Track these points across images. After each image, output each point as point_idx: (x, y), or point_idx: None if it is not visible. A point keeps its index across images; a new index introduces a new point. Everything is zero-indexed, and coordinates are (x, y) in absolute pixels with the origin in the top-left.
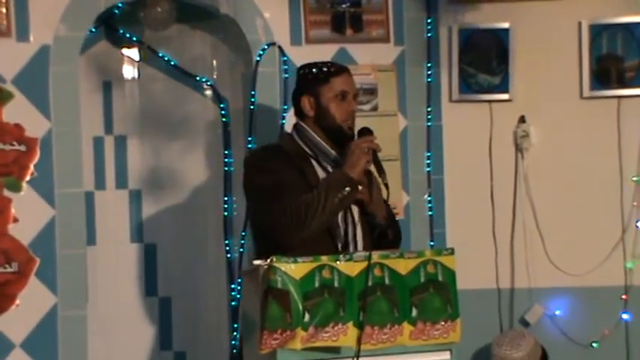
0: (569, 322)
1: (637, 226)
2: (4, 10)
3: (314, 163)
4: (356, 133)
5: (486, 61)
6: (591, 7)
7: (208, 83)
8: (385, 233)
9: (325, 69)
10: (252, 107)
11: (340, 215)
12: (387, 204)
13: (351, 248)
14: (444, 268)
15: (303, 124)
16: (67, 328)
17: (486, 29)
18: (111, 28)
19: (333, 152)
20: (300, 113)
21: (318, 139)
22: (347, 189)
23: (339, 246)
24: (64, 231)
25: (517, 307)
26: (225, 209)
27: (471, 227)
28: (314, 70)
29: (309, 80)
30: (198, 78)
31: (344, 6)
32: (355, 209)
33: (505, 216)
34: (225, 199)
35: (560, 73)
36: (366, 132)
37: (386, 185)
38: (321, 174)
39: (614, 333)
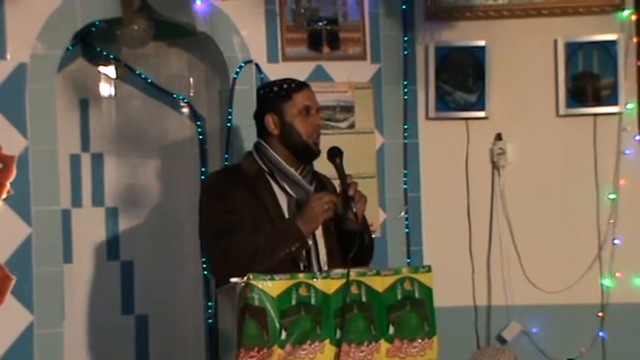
0: (546, 339)
1: (613, 244)
2: None
3: (271, 181)
4: (323, 151)
5: (463, 78)
6: (567, 25)
7: (185, 101)
8: (362, 237)
9: (286, 85)
10: (228, 125)
11: None
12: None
13: (315, 267)
14: (421, 286)
15: (262, 142)
16: (43, 347)
17: (463, 47)
18: (88, 45)
19: (291, 170)
20: (263, 132)
21: (277, 157)
22: (296, 245)
23: (301, 266)
24: (40, 249)
25: (494, 324)
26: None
27: (448, 245)
28: (275, 88)
29: (271, 98)
30: (175, 96)
31: (321, 24)
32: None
33: (482, 233)
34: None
35: (537, 91)
36: (335, 152)
37: (355, 215)
38: (278, 193)
39: (590, 351)
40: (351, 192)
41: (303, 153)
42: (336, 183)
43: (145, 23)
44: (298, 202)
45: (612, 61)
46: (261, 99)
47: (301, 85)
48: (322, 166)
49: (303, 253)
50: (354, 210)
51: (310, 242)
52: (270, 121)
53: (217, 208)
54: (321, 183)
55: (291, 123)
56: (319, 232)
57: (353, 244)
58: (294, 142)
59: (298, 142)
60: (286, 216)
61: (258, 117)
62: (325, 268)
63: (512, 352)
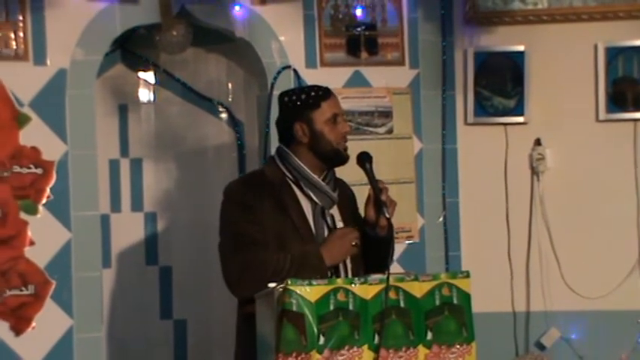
0: (586, 345)
1: None
2: (21, 35)
3: (295, 188)
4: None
5: (501, 83)
6: (607, 29)
7: (224, 106)
8: (388, 242)
9: (313, 93)
10: (267, 130)
11: None
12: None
13: (342, 273)
14: (460, 291)
15: (285, 149)
16: (82, 351)
17: (502, 52)
18: (127, 51)
19: (315, 177)
20: (288, 139)
21: (301, 164)
22: (318, 276)
23: (329, 274)
24: (79, 254)
25: (533, 330)
26: None
27: (487, 250)
28: (302, 96)
29: (299, 107)
30: (213, 101)
31: (359, 29)
32: None
33: (521, 239)
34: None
35: (576, 96)
36: (365, 157)
37: (388, 220)
38: (302, 200)
39: (630, 357)
40: (383, 197)
41: (333, 160)
42: (363, 188)
43: (184, 29)
44: (323, 209)
45: None
46: (288, 107)
47: (327, 93)
48: (349, 171)
49: None
50: (387, 215)
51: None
52: (299, 129)
53: (240, 217)
54: (344, 190)
55: (321, 131)
56: None
57: (381, 250)
58: (324, 150)
59: (329, 150)
60: (310, 224)
61: (284, 124)
62: (350, 274)
63: (549, 359)
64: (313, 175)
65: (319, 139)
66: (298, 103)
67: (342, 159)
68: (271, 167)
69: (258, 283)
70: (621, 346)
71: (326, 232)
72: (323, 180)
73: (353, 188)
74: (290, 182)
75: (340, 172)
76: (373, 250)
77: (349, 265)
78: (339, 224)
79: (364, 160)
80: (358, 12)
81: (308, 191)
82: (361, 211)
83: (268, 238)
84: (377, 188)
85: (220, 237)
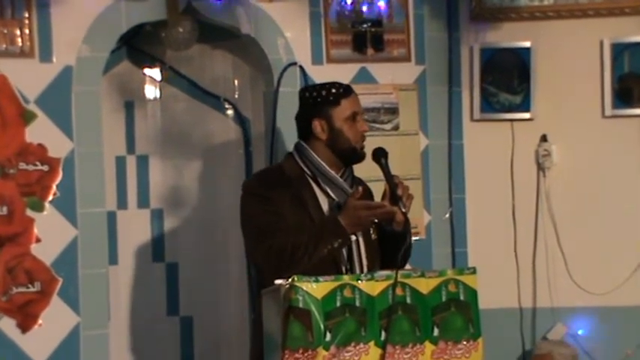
0: (592, 341)
1: None
2: (27, 32)
3: (313, 184)
4: (369, 152)
5: (508, 80)
6: (613, 25)
7: (230, 103)
8: (404, 237)
9: (334, 90)
10: (273, 127)
11: None
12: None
13: (357, 269)
14: (466, 288)
15: (304, 145)
16: (89, 348)
17: (508, 48)
18: (133, 48)
19: (333, 173)
20: (307, 135)
21: (319, 160)
22: (339, 241)
23: (344, 269)
24: (86, 251)
25: (539, 326)
26: None
27: (493, 246)
28: (323, 92)
29: (319, 103)
30: (219, 98)
31: (365, 26)
32: None
33: (527, 235)
34: None
35: (582, 92)
36: (380, 153)
37: (404, 214)
38: (319, 196)
39: (637, 353)
40: (399, 192)
41: (350, 157)
42: (379, 184)
43: (190, 25)
44: (339, 204)
45: None
46: (308, 103)
47: (348, 91)
48: (365, 167)
49: (345, 255)
50: (404, 210)
51: (354, 240)
52: (317, 125)
53: (260, 209)
54: (361, 186)
55: (339, 129)
56: (360, 236)
57: (397, 245)
58: (342, 148)
59: (346, 148)
60: None
61: (304, 120)
62: (366, 270)
63: (575, 348)
64: (331, 171)
65: (337, 137)
66: (318, 99)
67: (359, 157)
68: (290, 162)
69: (286, 262)
70: (627, 341)
71: None
72: (341, 177)
73: (369, 184)
74: (308, 178)
75: (356, 168)
76: (391, 246)
77: (364, 261)
78: None
79: (379, 155)
80: (364, 8)
81: (325, 187)
82: None
83: (288, 224)
84: (393, 183)
85: (243, 232)
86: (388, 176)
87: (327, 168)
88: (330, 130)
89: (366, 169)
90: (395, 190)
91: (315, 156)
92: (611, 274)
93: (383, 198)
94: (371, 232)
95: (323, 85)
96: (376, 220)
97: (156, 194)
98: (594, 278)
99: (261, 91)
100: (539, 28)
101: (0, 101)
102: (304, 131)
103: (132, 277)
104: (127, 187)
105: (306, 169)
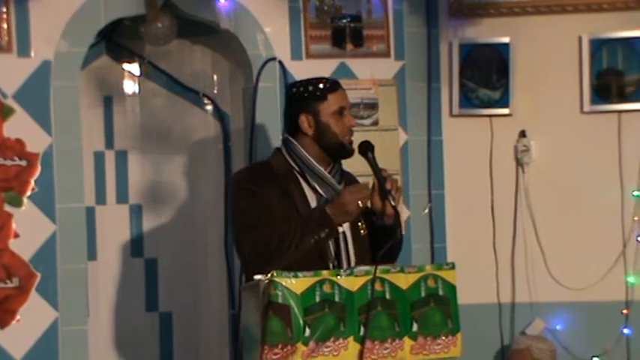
0: (570, 336)
1: (638, 241)
2: (5, 26)
3: (301, 180)
4: (355, 146)
5: (487, 75)
6: (591, 21)
7: (209, 98)
8: (398, 232)
9: (321, 85)
10: (253, 122)
11: None
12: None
13: (345, 266)
14: (445, 283)
15: (292, 140)
16: (68, 343)
17: (487, 44)
18: (112, 43)
19: (321, 169)
20: (294, 130)
21: (307, 155)
22: (326, 231)
23: (331, 266)
24: (64, 246)
25: (518, 321)
26: (226, 224)
27: (472, 242)
28: (310, 87)
29: (306, 98)
30: (198, 93)
31: (344, 21)
32: (346, 223)
33: (506, 230)
34: (226, 213)
35: (561, 88)
36: (367, 146)
37: (394, 208)
38: (307, 191)
39: (615, 348)
40: (388, 186)
41: (338, 153)
42: (364, 178)
43: (169, 21)
44: (327, 200)
45: (637, 57)
46: (295, 98)
47: (335, 86)
48: (351, 161)
49: (332, 252)
50: (394, 204)
51: (340, 232)
52: (304, 121)
53: (249, 202)
54: (350, 182)
55: (326, 124)
56: (348, 232)
57: (387, 240)
58: (329, 143)
59: (334, 143)
60: None
61: (291, 115)
62: (353, 263)
63: (553, 343)
64: (319, 166)
65: (324, 132)
66: (305, 94)
67: (347, 152)
68: (277, 158)
69: (272, 254)
70: (606, 337)
71: None
72: (329, 172)
73: (358, 179)
74: (296, 173)
75: (344, 162)
76: (382, 240)
77: (352, 258)
78: None
79: (366, 149)
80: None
81: (313, 183)
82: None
83: (276, 218)
84: (381, 177)
85: (232, 226)
86: (376, 170)
87: (315, 164)
88: (317, 125)
89: (352, 164)
90: (384, 184)
91: (303, 151)
92: (589, 270)
93: (372, 192)
94: (360, 227)
95: (310, 81)
96: (361, 204)
97: (135, 189)
98: (573, 273)
99: (241, 86)
100: (518, 23)
101: None
102: (292, 127)
103: (111, 273)
104: (106, 182)
105: (294, 164)
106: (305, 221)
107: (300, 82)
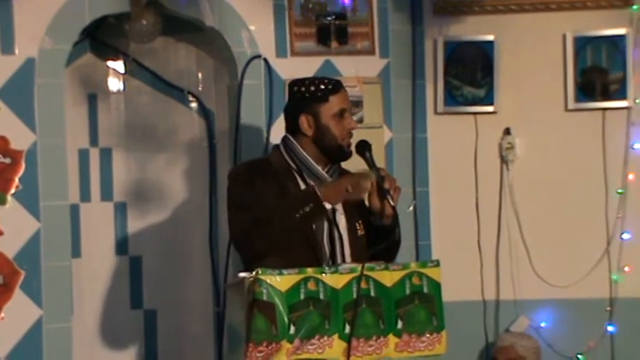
0: (555, 333)
1: (622, 238)
2: None
3: (298, 179)
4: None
5: (471, 73)
6: (576, 19)
7: (194, 95)
8: (396, 232)
9: (323, 86)
10: (237, 119)
11: (325, 234)
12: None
13: (339, 258)
14: (430, 280)
15: (291, 139)
16: (52, 341)
17: (471, 42)
18: (96, 40)
19: (319, 169)
20: (293, 129)
21: (306, 155)
22: (310, 205)
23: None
24: (49, 244)
25: (502, 318)
26: (211, 221)
27: (456, 239)
28: (311, 88)
29: (307, 98)
30: (183, 90)
31: (329, 18)
32: (342, 223)
33: (490, 228)
34: (211, 211)
35: (545, 86)
36: (365, 146)
37: (393, 208)
38: None
39: (599, 345)
40: (386, 185)
41: (336, 155)
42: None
43: (154, 18)
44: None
45: (621, 55)
46: (296, 97)
47: (337, 87)
48: (350, 162)
49: (327, 253)
50: (392, 203)
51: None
52: (304, 121)
53: (244, 194)
54: None
55: (326, 125)
56: (345, 233)
57: (385, 239)
58: (328, 144)
59: (332, 145)
60: None
61: (291, 114)
62: (347, 259)
63: (537, 340)
64: (317, 166)
65: (324, 133)
66: (306, 94)
67: (345, 155)
68: (276, 155)
69: (260, 232)
70: (590, 334)
71: (325, 224)
72: (327, 172)
73: None
74: (294, 172)
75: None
76: (380, 240)
77: (348, 259)
78: (341, 217)
79: (364, 148)
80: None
81: (310, 182)
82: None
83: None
84: (379, 176)
85: (228, 213)
86: (374, 169)
87: (313, 163)
88: (317, 126)
89: (351, 163)
90: (382, 183)
91: (302, 151)
92: (573, 267)
93: (370, 192)
94: (357, 227)
95: (312, 80)
96: (350, 190)
97: (119, 187)
98: (557, 271)
99: (225, 83)
100: (503, 21)
101: None
102: (292, 125)
103: (95, 271)
104: (91, 179)
105: (292, 163)
106: (291, 198)
107: (302, 81)
